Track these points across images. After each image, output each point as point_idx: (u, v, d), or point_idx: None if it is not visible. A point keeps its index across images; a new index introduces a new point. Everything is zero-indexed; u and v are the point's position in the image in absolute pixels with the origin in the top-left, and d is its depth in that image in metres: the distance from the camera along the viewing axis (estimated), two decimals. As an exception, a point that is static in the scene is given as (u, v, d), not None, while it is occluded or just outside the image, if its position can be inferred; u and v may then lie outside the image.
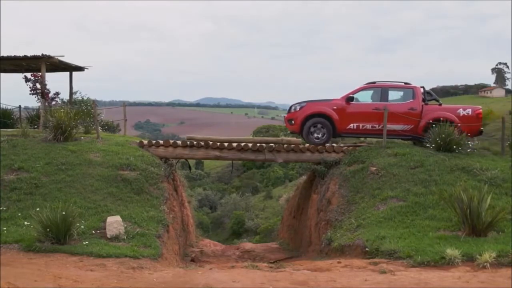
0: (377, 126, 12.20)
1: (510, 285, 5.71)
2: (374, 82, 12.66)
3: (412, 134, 12.29)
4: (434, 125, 11.74)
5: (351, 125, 12.28)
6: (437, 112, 12.19)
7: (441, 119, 11.86)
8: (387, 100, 12.36)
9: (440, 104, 12.54)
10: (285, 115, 13.09)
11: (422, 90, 12.46)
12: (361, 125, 12.26)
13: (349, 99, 12.31)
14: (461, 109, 12.22)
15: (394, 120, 12.11)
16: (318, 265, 7.57)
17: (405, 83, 12.60)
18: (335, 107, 12.28)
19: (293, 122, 12.58)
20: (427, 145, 11.66)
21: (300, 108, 12.50)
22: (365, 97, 12.60)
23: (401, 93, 12.60)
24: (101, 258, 7.13)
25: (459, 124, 11.85)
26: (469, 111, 12.20)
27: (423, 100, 12.35)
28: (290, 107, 12.95)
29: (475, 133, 12.33)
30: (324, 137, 12.26)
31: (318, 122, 12.28)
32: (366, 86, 12.65)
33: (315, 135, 12.29)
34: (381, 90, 12.42)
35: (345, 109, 12.28)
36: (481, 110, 12.44)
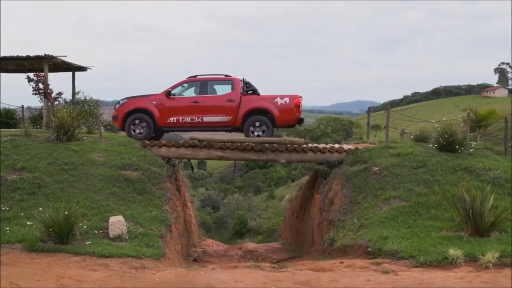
0: (196, 118, 12.30)
1: (513, 285, 5.70)
2: (195, 76, 12.76)
3: (231, 125, 12.37)
4: (251, 115, 12.03)
5: (171, 119, 12.34)
6: (255, 102, 12.25)
7: (259, 109, 12.03)
8: (207, 93, 12.48)
9: (259, 95, 12.54)
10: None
11: (241, 82, 12.54)
12: (181, 118, 12.32)
13: (168, 93, 12.43)
14: (278, 98, 12.21)
15: (213, 112, 12.25)
16: (321, 265, 7.57)
17: (225, 76, 12.72)
18: (154, 102, 12.36)
19: (116, 118, 12.68)
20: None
21: (122, 105, 12.60)
22: (188, 91, 12.76)
23: (221, 85, 12.70)
24: (104, 258, 7.13)
25: (277, 114, 12.01)
26: (287, 100, 12.20)
27: (242, 91, 12.41)
28: (115, 104, 13.03)
29: (293, 121, 12.41)
30: (145, 132, 12.38)
31: (139, 118, 12.39)
32: (187, 80, 12.74)
33: (137, 130, 12.42)
34: (200, 83, 12.55)
35: (165, 103, 12.37)
36: (299, 98, 12.39)
